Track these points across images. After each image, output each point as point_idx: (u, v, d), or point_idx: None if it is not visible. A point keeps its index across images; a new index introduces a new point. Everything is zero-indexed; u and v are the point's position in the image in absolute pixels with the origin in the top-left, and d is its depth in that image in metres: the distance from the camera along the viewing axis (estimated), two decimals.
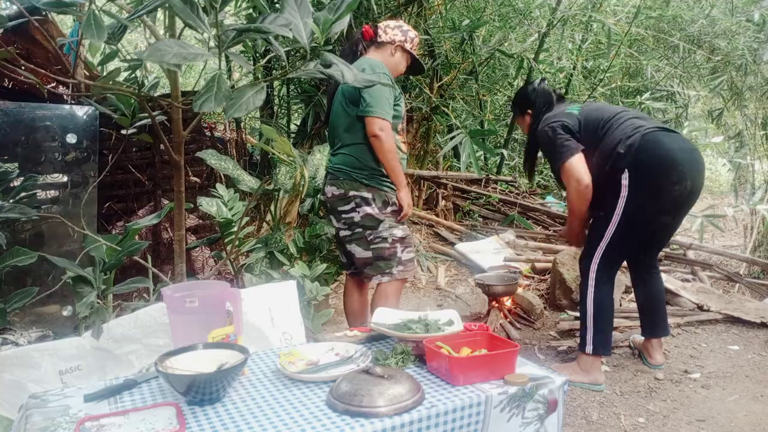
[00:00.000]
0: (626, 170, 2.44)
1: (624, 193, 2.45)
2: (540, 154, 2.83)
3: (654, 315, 2.82)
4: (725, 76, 5.13)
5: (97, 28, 1.52)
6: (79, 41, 2.19)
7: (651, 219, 2.51)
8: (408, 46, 2.76)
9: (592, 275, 2.59)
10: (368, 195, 2.63)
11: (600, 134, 2.54)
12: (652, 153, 2.43)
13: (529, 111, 2.81)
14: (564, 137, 2.54)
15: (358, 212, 2.64)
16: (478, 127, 6.22)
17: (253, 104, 1.52)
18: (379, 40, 2.75)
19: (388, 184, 2.68)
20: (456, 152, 6.81)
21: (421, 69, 2.93)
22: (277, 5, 3.89)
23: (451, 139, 4.25)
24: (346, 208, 2.66)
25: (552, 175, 2.81)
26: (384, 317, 1.88)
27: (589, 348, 2.59)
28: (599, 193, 2.53)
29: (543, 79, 2.85)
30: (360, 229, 2.66)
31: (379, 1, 4.80)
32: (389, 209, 2.67)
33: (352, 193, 2.64)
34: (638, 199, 2.45)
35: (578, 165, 2.50)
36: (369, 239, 2.65)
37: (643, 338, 2.92)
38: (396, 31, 2.75)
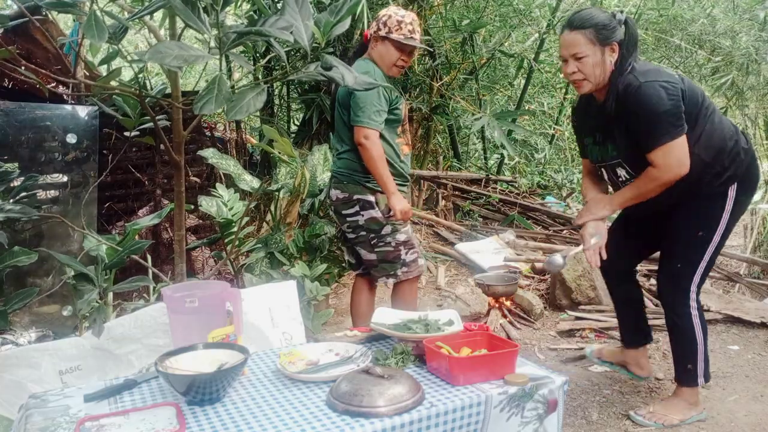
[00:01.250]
0: (737, 180, 2.11)
1: (729, 206, 2.12)
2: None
3: (641, 320, 2.56)
4: (731, 75, 5.12)
5: (98, 28, 1.52)
6: (80, 42, 2.19)
7: (731, 232, 2.23)
8: (383, 32, 2.58)
9: (694, 303, 2.23)
10: (372, 198, 2.62)
11: (703, 115, 2.09)
12: (755, 166, 2.17)
13: (615, 45, 2.06)
14: (681, 107, 2.00)
15: (363, 215, 2.64)
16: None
17: (254, 106, 1.53)
18: (368, 39, 2.69)
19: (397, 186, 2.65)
20: (456, 152, 6.81)
21: (411, 48, 2.63)
22: (278, 4, 3.90)
23: (476, 120, 4.24)
24: (351, 211, 2.66)
25: (614, 148, 2.17)
26: (384, 317, 1.88)
27: (701, 380, 2.29)
28: (695, 185, 2.09)
29: (621, 11, 2.15)
30: (364, 233, 2.66)
31: (379, 2, 4.80)
32: (392, 213, 2.64)
33: (356, 196, 2.63)
34: (737, 214, 2.15)
35: (683, 147, 2.01)
36: (372, 243, 2.66)
37: (623, 349, 2.61)
38: (374, 23, 2.63)
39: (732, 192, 2.11)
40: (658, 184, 2.05)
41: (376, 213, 2.63)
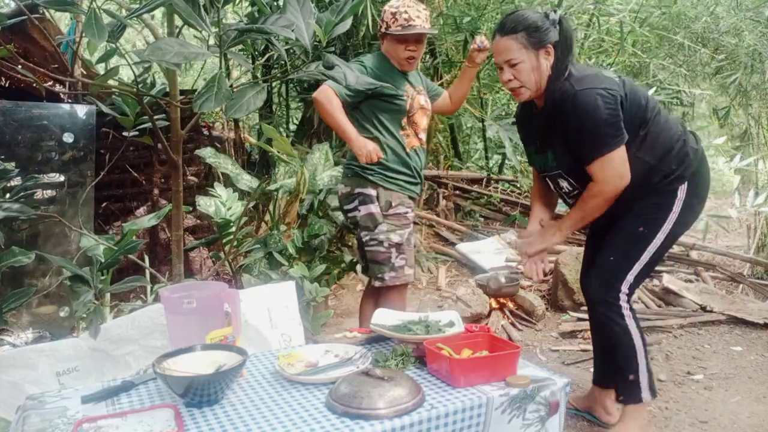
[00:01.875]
0: (687, 181, 1.99)
1: (678, 207, 1.98)
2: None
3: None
4: (738, 74, 5.09)
5: (97, 27, 1.51)
6: (78, 41, 2.17)
7: (680, 236, 2.11)
8: (383, 28, 2.51)
9: (625, 303, 2.03)
10: (373, 192, 2.53)
11: (647, 118, 1.97)
12: (705, 166, 2.05)
13: (550, 47, 1.94)
14: (619, 116, 1.88)
15: (360, 210, 2.55)
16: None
17: (254, 105, 1.52)
18: None
19: (398, 182, 2.55)
20: (457, 151, 6.80)
21: (414, 37, 2.49)
22: (277, 3, 3.88)
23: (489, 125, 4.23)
24: (351, 206, 2.58)
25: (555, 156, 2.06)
26: (384, 318, 1.86)
27: (646, 394, 2.05)
28: (639, 191, 1.98)
29: (555, 10, 2.01)
30: (359, 230, 2.59)
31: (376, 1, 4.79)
32: (392, 211, 2.55)
33: (357, 190, 2.55)
34: (685, 217, 2.02)
35: (622, 158, 1.90)
36: (364, 240, 2.56)
37: (597, 387, 2.30)
38: (379, 21, 2.56)
39: (681, 193, 1.98)
40: (601, 200, 1.93)
41: (374, 208, 2.53)
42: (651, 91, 5.08)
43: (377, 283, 2.59)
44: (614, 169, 1.89)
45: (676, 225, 1.99)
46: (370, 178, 2.52)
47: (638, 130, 1.95)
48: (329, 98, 2.36)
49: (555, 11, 1.97)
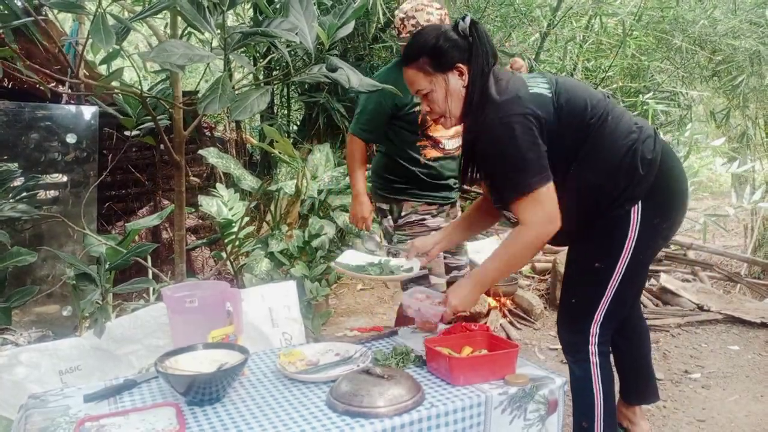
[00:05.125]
0: (640, 200, 1.67)
1: (634, 232, 1.68)
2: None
3: (643, 377, 2.10)
4: (743, 76, 5.11)
5: (105, 32, 1.52)
6: (84, 43, 2.19)
7: (649, 260, 1.85)
8: (396, 36, 2.45)
9: (594, 348, 1.79)
10: (386, 207, 2.54)
11: (590, 127, 1.67)
12: (669, 174, 1.72)
13: (461, 65, 1.65)
14: (535, 147, 1.58)
15: (382, 224, 2.57)
16: None
17: (258, 107, 1.54)
18: None
19: (409, 191, 2.45)
20: None
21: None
22: (276, 5, 3.89)
23: None
24: (378, 219, 2.62)
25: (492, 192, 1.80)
26: (348, 258, 1.94)
27: None
28: (584, 218, 1.71)
29: (464, 17, 1.67)
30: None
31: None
32: (402, 221, 2.49)
33: (377, 205, 2.58)
34: (648, 241, 1.72)
35: (551, 197, 1.60)
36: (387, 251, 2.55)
37: (622, 401, 2.14)
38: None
39: (635, 214, 1.67)
40: (528, 247, 1.64)
41: (386, 222, 2.55)
42: (648, 95, 5.07)
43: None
44: (542, 210, 1.59)
45: (638, 251, 1.70)
46: (380, 192, 2.54)
47: (578, 144, 1.66)
48: (352, 147, 2.50)
49: (465, 18, 1.66)
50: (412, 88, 1.73)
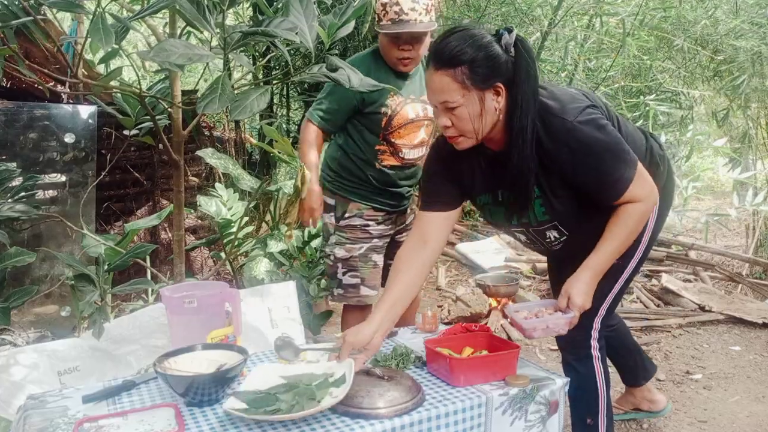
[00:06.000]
0: (659, 195, 1.70)
1: (651, 225, 1.73)
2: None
3: (639, 354, 2.20)
4: (745, 76, 5.10)
5: (104, 32, 1.52)
6: (83, 43, 2.18)
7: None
8: (377, 26, 2.17)
9: (596, 343, 1.80)
10: (331, 201, 2.36)
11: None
12: (671, 171, 1.80)
13: (499, 85, 1.50)
14: (613, 127, 1.59)
15: (323, 218, 2.39)
16: None
17: (258, 107, 1.53)
18: None
19: (358, 191, 2.32)
20: None
21: (397, 35, 2.13)
22: (276, 5, 3.88)
23: None
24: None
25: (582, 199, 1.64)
26: (254, 379, 1.44)
27: None
28: (590, 223, 1.64)
29: (510, 29, 1.52)
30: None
31: None
32: (344, 222, 2.33)
33: (323, 198, 2.38)
34: (656, 234, 1.79)
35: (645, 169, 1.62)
36: (321, 251, 2.42)
37: (631, 388, 2.25)
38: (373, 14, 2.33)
39: (654, 212, 1.72)
40: (643, 218, 1.62)
41: (328, 218, 2.38)
42: (651, 96, 5.09)
43: (329, 298, 2.42)
44: (648, 183, 1.59)
45: (649, 246, 1.78)
46: (327, 184, 2.36)
47: None
48: (306, 134, 2.28)
49: (510, 31, 1.50)
50: (436, 96, 1.52)
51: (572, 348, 1.82)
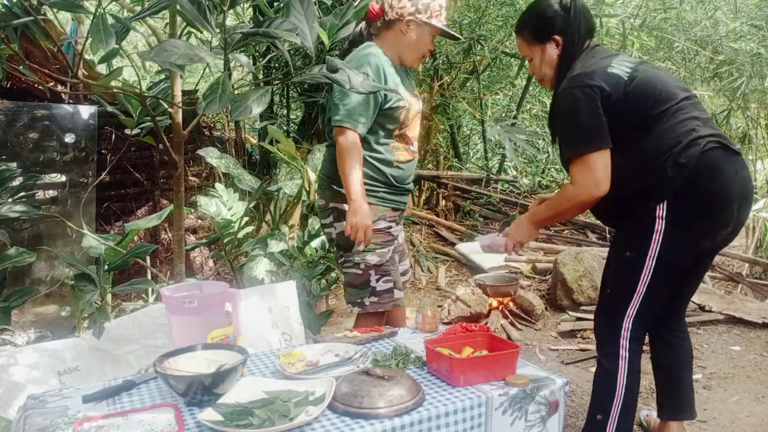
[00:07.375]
0: (665, 200, 1.72)
1: (659, 228, 1.73)
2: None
3: (680, 391, 2.06)
4: (744, 77, 5.11)
5: (105, 33, 1.52)
6: (84, 43, 2.18)
7: (686, 264, 1.84)
8: (423, 17, 2.13)
9: (624, 343, 1.82)
10: (347, 208, 2.12)
11: (650, 121, 1.74)
12: (707, 184, 1.71)
13: (557, 37, 1.85)
14: (595, 116, 1.71)
15: (335, 227, 2.22)
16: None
17: (258, 107, 1.53)
18: (387, 18, 2.19)
19: (377, 194, 2.20)
20: (456, 151, 6.81)
21: (453, 37, 2.34)
22: (277, 5, 3.89)
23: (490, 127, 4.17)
24: (326, 221, 2.26)
25: (559, 161, 2.05)
26: (237, 392, 1.45)
27: None
28: (615, 205, 1.80)
29: None
30: (335, 248, 2.27)
31: None
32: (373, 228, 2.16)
33: (331, 204, 2.21)
34: (674, 240, 1.74)
35: (602, 164, 1.71)
36: (340, 261, 2.25)
37: (658, 420, 2.12)
38: (404, 2, 2.14)
39: (661, 211, 1.72)
40: (573, 204, 1.78)
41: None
42: None
43: (356, 309, 2.24)
44: (591, 174, 1.71)
45: (664, 250, 1.74)
46: (343, 191, 2.13)
47: (630, 129, 1.73)
48: (349, 142, 2.08)
49: None
50: (521, 53, 2.02)
51: (602, 343, 1.91)
